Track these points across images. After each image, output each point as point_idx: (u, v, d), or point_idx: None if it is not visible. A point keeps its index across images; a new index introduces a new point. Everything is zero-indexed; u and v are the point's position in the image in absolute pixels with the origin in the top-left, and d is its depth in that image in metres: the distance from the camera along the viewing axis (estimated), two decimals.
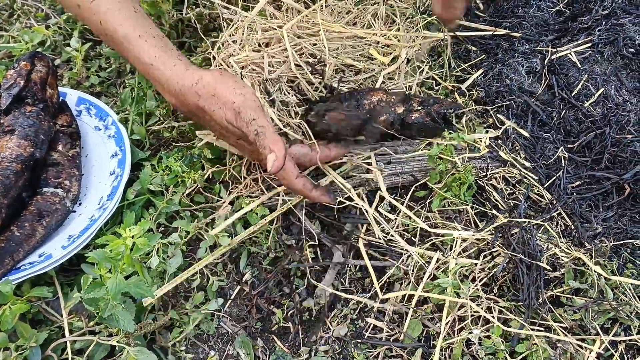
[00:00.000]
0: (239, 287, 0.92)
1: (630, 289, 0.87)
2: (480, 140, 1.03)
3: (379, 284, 0.91)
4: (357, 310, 0.91)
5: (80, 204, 0.95)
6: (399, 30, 1.16)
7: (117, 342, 0.81)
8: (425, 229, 0.95)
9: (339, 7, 1.19)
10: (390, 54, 1.13)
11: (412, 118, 1.01)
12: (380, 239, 0.95)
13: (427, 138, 1.04)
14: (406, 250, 0.93)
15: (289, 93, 1.03)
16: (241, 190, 0.98)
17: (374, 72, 1.11)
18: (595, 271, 0.87)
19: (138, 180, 0.97)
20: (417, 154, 1.02)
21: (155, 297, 0.84)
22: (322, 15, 1.13)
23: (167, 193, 0.95)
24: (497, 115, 1.07)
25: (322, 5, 1.15)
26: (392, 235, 0.95)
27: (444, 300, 0.86)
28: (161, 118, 1.06)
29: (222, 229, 0.91)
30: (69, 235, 0.89)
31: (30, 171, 0.91)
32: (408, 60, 1.14)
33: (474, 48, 1.19)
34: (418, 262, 0.92)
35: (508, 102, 1.08)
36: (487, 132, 1.04)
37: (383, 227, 0.96)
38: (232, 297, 0.92)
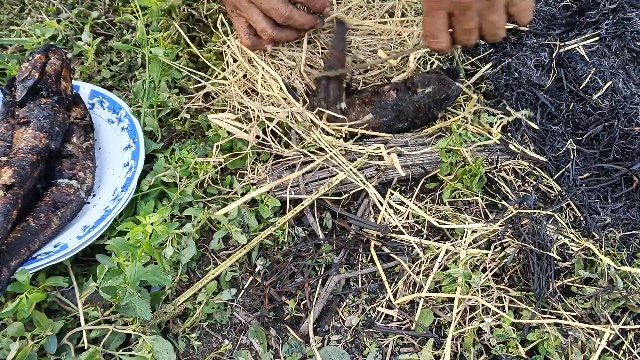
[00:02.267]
0: (251, 277, 0.93)
1: (639, 278, 0.88)
2: (493, 126, 1.03)
3: (389, 279, 0.92)
4: (369, 300, 0.92)
5: (94, 195, 0.96)
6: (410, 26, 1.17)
7: (132, 330, 0.81)
8: (433, 222, 0.96)
9: (355, 5, 1.20)
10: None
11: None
12: (391, 232, 0.96)
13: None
14: (412, 242, 0.94)
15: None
16: (252, 178, 0.99)
17: (385, 69, 1.12)
18: (604, 261, 0.87)
19: (151, 171, 0.98)
20: (427, 149, 1.02)
21: (172, 284, 0.85)
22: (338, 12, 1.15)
23: (180, 184, 0.96)
24: (507, 108, 1.08)
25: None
26: (399, 228, 0.96)
27: (455, 290, 0.87)
28: (174, 110, 1.07)
29: (228, 210, 0.92)
30: (84, 225, 0.90)
31: (45, 162, 0.92)
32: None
33: (482, 42, 1.20)
34: (429, 254, 0.93)
35: (517, 95, 1.09)
36: (500, 119, 1.05)
37: (392, 219, 0.98)
38: (244, 288, 0.93)
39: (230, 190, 0.99)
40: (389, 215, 0.96)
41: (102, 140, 1.03)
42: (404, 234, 0.95)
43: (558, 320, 0.84)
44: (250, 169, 1.00)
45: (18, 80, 0.94)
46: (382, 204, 0.97)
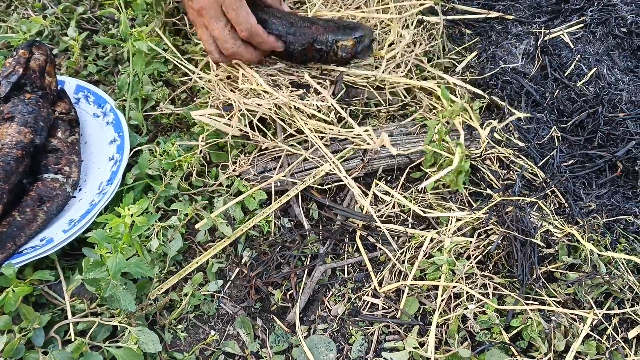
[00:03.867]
0: (238, 268, 0.94)
1: (623, 263, 0.88)
2: (483, 129, 1.03)
3: (374, 268, 0.93)
4: (355, 289, 0.92)
5: (80, 189, 0.96)
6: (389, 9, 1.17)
7: (119, 322, 0.82)
8: (418, 212, 0.97)
9: None
10: (385, 40, 1.14)
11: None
12: (376, 222, 0.96)
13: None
14: (398, 232, 0.95)
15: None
16: (234, 170, 0.99)
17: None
18: (587, 247, 0.88)
19: (137, 165, 0.98)
20: (412, 138, 1.03)
21: (154, 276, 0.86)
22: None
23: (165, 177, 0.97)
24: (492, 96, 1.08)
25: None
26: (383, 218, 0.97)
27: (440, 277, 0.88)
28: (157, 102, 1.07)
29: (220, 212, 0.93)
30: (70, 219, 0.90)
31: (31, 157, 0.92)
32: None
33: (467, 31, 1.20)
34: (414, 242, 0.93)
35: (502, 84, 1.09)
36: (489, 124, 1.05)
37: (379, 209, 0.98)
38: (231, 279, 0.93)
39: (215, 182, 0.99)
40: (368, 207, 0.97)
41: (87, 135, 1.03)
42: (390, 223, 0.96)
43: (541, 307, 0.84)
44: (232, 161, 1.00)
45: (2, 76, 0.95)
46: (366, 196, 0.97)
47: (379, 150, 1.02)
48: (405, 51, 1.13)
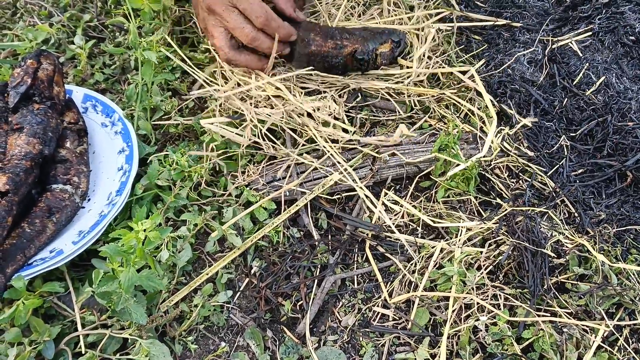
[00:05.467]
0: (247, 279, 0.94)
1: (634, 274, 0.88)
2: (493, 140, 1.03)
3: (384, 279, 0.93)
4: (365, 300, 0.92)
5: (89, 199, 0.96)
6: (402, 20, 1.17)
7: (129, 334, 0.82)
8: (427, 222, 0.96)
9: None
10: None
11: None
12: (386, 232, 0.96)
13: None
14: (408, 242, 0.95)
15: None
16: (244, 180, 0.99)
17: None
18: (598, 258, 0.88)
19: (146, 175, 0.98)
20: (421, 147, 1.02)
21: (164, 294, 0.85)
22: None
23: (174, 188, 0.96)
24: (501, 105, 1.08)
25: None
26: (392, 229, 0.96)
27: (450, 288, 0.88)
28: (166, 113, 1.07)
29: (231, 224, 0.93)
30: (79, 230, 0.90)
31: (39, 168, 0.92)
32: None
33: (476, 38, 1.20)
34: (424, 253, 0.93)
35: (510, 92, 1.09)
36: (500, 130, 1.05)
37: (389, 218, 0.98)
38: (241, 289, 0.93)
39: (224, 192, 0.99)
40: (383, 214, 0.96)
41: (96, 144, 1.03)
42: (398, 233, 0.96)
43: (553, 318, 0.84)
44: (241, 171, 1.00)
45: (10, 86, 0.94)
46: (375, 206, 0.97)
47: (388, 159, 1.02)
48: (426, 59, 1.13)
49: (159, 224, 0.90)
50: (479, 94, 1.09)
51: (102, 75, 1.15)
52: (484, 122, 1.05)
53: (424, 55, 1.12)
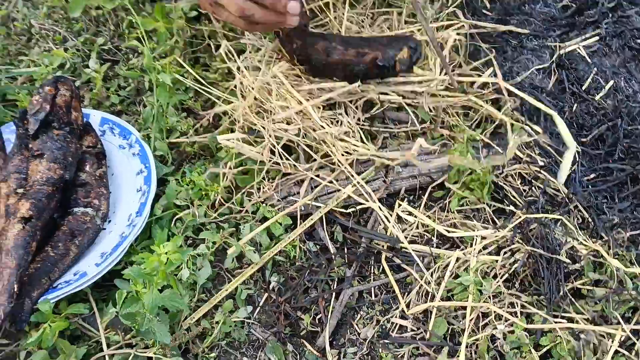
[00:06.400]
0: (266, 294, 0.95)
1: None
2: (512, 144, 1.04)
3: (401, 290, 0.94)
4: (383, 311, 0.93)
5: (109, 221, 0.98)
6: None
7: (153, 354, 0.84)
8: (442, 232, 0.98)
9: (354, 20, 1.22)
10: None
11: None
12: (401, 243, 0.97)
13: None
14: (423, 252, 0.96)
15: None
16: (259, 197, 1.01)
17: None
18: (612, 264, 0.88)
19: (164, 195, 1.00)
20: (434, 157, 1.04)
21: (186, 311, 0.87)
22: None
23: (192, 206, 0.98)
24: (512, 112, 1.09)
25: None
26: (409, 239, 0.98)
27: (467, 297, 0.89)
28: (182, 133, 1.09)
29: (248, 239, 0.94)
30: (102, 252, 0.92)
31: (61, 192, 0.94)
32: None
33: (485, 46, 1.21)
34: (440, 262, 0.94)
35: (520, 99, 1.10)
36: (519, 137, 1.05)
37: (403, 229, 0.99)
38: (260, 305, 0.95)
39: (241, 209, 1.01)
40: (394, 227, 0.98)
41: (114, 166, 1.05)
42: (415, 243, 0.97)
43: (570, 325, 0.85)
44: (256, 188, 1.02)
45: (30, 113, 0.97)
46: (389, 220, 0.98)
47: (400, 170, 1.03)
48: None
49: (182, 238, 0.92)
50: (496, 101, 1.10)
51: (117, 97, 1.17)
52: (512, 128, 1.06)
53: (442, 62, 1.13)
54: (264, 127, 1.02)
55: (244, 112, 1.05)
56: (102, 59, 1.25)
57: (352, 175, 1.00)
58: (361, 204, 1.00)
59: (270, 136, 1.01)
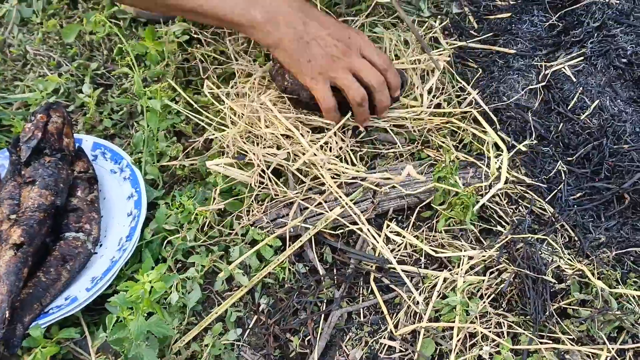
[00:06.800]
0: (255, 316, 0.96)
1: (634, 298, 0.90)
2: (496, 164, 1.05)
3: (390, 311, 0.95)
4: (371, 332, 0.94)
5: (101, 245, 0.99)
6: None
7: None
8: (430, 252, 0.98)
9: None
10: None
11: None
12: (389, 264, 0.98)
13: None
14: (411, 272, 0.97)
15: None
16: (249, 220, 1.02)
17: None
18: (597, 285, 0.89)
19: (154, 219, 1.01)
20: (421, 178, 1.05)
21: (176, 334, 0.88)
22: None
23: (182, 230, 1.00)
24: (498, 132, 1.10)
25: None
26: (397, 259, 0.99)
27: (454, 318, 0.90)
28: (172, 158, 1.11)
29: (237, 264, 0.96)
30: (92, 277, 0.94)
31: (52, 218, 0.96)
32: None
33: (474, 66, 1.22)
34: (427, 283, 0.95)
35: (506, 119, 1.11)
36: (499, 154, 1.06)
37: (392, 249, 1.00)
38: (250, 327, 0.95)
39: (231, 231, 1.02)
40: (384, 249, 0.99)
41: (106, 191, 1.07)
42: (403, 263, 0.98)
43: (555, 345, 0.85)
44: (245, 212, 1.03)
45: (22, 141, 0.99)
46: (377, 241, 0.99)
47: (388, 191, 1.04)
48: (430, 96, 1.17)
49: (167, 268, 0.93)
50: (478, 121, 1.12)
51: (110, 121, 1.19)
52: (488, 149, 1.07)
53: (429, 92, 1.15)
54: (254, 153, 1.03)
55: (234, 139, 1.06)
56: (95, 83, 1.28)
57: (341, 197, 1.02)
58: (351, 223, 1.01)
59: (260, 161, 1.02)
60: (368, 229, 1.00)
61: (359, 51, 1.03)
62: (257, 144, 1.06)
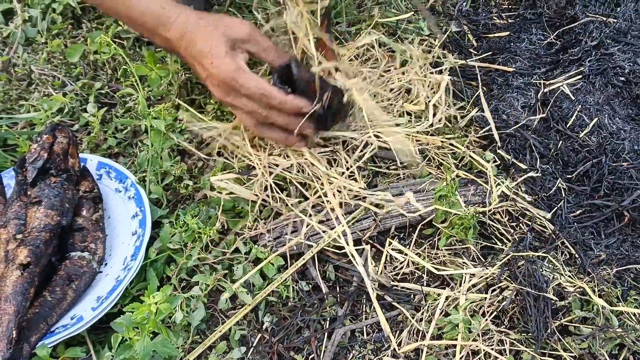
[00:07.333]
0: (259, 334, 0.97)
1: (635, 315, 0.90)
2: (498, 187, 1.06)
3: (393, 328, 0.96)
4: (374, 350, 0.95)
5: (106, 264, 1.00)
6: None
7: None
8: (432, 270, 0.99)
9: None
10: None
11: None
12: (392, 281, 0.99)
13: None
14: (414, 290, 0.98)
15: None
16: (250, 234, 1.03)
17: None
18: (598, 302, 0.90)
19: (158, 238, 1.02)
20: (422, 196, 1.06)
21: (180, 353, 0.89)
22: None
23: (186, 249, 1.01)
24: (498, 151, 1.12)
25: None
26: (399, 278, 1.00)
27: (457, 336, 0.90)
28: (176, 178, 1.12)
29: (241, 282, 0.97)
30: (98, 296, 0.94)
31: (58, 238, 0.97)
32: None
33: (473, 83, 1.24)
34: (430, 301, 0.96)
35: (506, 137, 1.13)
36: (502, 183, 1.08)
37: (394, 267, 1.01)
38: (254, 345, 0.96)
39: (234, 250, 1.03)
40: (386, 270, 1.00)
41: (111, 210, 1.08)
42: (405, 281, 0.99)
43: None
44: (248, 228, 1.04)
45: (28, 161, 1.00)
46: (378, 259, 1.01)
47: (390, 209, 1.05)
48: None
49: (172, 287, 0.94)
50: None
51: (114, 140, 1.20)
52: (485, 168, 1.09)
53: (435, 106, 1.17)
54: (259, 159, 1.05)
55: (243, 144, 1.08)
56: (99, 102, 1.29)
57: (340, 219, 1.03)
58: (354, 241, 1.02)
59: (264, 167, 1.04)
60: (372, 244, 1.01)
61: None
62: (264, 150, 1.09)
